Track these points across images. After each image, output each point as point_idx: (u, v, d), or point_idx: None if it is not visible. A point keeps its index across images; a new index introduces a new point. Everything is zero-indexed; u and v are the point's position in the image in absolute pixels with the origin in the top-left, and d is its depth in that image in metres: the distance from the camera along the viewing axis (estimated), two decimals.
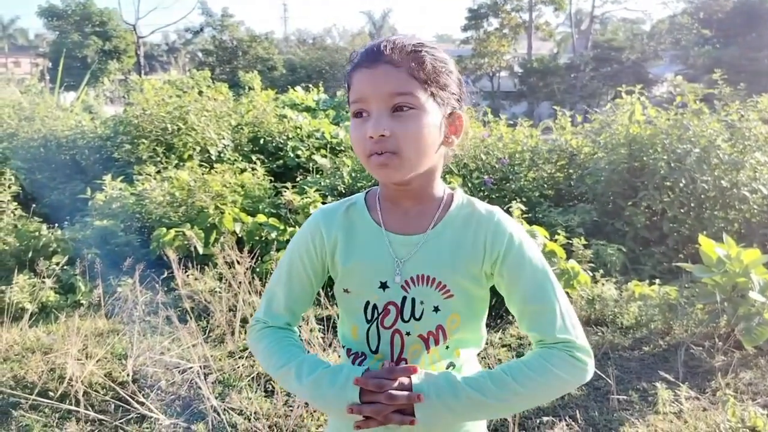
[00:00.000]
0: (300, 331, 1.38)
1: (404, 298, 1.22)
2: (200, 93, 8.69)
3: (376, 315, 1.24)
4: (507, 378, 1.14)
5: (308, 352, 1.29)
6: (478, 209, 1.25)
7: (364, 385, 1.12)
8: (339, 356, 1.36)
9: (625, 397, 3.25)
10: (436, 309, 1.22)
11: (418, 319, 1.22)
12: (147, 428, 3.03)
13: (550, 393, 1.19)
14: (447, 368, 1.25)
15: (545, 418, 3.07)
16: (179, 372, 3.44)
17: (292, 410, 3.08)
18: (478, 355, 1.35)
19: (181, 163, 7.10)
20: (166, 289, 4.70)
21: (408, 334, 1.23)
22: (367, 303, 1.24)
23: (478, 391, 1.12)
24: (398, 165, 1.13)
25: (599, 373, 3.41)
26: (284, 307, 1.31)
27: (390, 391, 1.10)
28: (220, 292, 4.50)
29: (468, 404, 1.12)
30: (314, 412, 3.06)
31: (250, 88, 10.71)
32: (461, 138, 1.23)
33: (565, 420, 3.01)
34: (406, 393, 1.11)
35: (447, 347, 1.25)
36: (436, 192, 1.26)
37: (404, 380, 1.12)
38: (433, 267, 1.21)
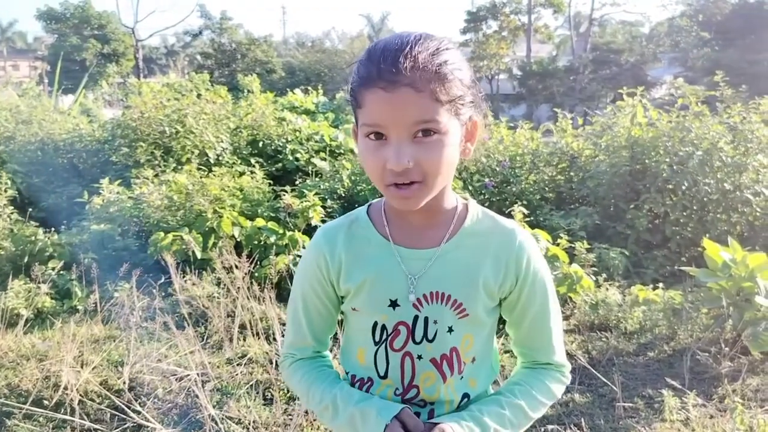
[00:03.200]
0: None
1: (416, 318, 1.15)
2: (199, 96, 8.64)
3: (384, 336, 1.17)
4: (522, 404, 1.17)
5: (341, 378, 1.25)
6: (499, 225, 1.19)
7: None
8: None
9: (630, 405, 3.19)
10: (450, 329, 1.15)
11: (431, 341, 1.15)
12: None
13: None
14: (462, 401, 1.19)
15: (550, 427, 3.01)
16: (176, 380, 3.38)
17: (291, 419, 3.02)
18: (495, 383, 1.31)
19: (180, 167, 7.05)
20: (163, 294, 4.65)
21: (420, 357, 1.16)
22: (375, 323, 1.17)
23: (501, 425, 1.14)
24: (422, 195, 1.05)
25: (604, 380, 3.36)
26: (309, 336, 1.25)
27: None
28: (218, 298, 4.44)
29: None
30: (314, 420, 3.00)
31: (249, 91, 10.67)
32: (477, 139, 1.15)
33: (570, 428, 2.96)
34: None
35: (461, 377, 1.19)
36: (448, 204, 1.17)
37: None
38: (448, 284, 1.14)
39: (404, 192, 1.03)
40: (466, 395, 1.19)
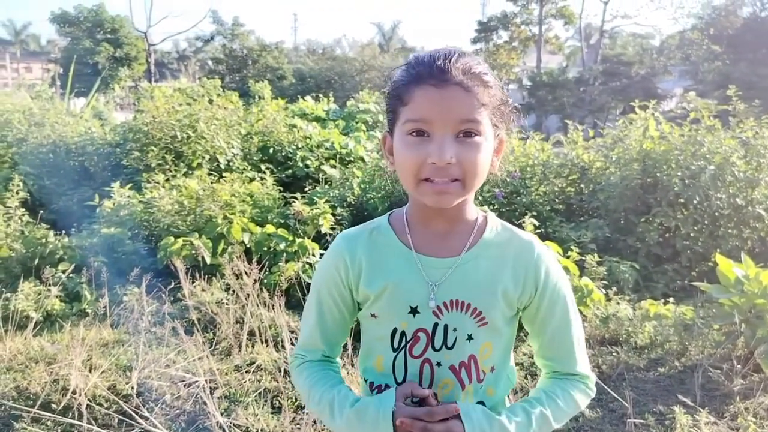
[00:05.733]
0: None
1: (435, 325, 1.16)
2: (210, 101, 8.67)
3: (404, 343, 1.18)
4: (547, 414, 1.15)
5: (343, 382, 1.24)
6: (517, 237, 1.21)
7: (409, 427, 1.05)
8: (359, 384, 1.30)
9: (641, 421, 3.16)
10: (470, 337, 1.16)
11: (450, 348, 1.16)
12: None
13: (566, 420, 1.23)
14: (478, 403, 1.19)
15: None
16: (185, 386, 3.38)
17: (299, 428, 3.00)
18: (513, 393, 1.31)
19: (190, 172, 7.07)
20: (172, 299, 4.65)
21: (438, 364, 1.17)
22: (395, 330, 1.18)
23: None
24: (458, 193, 1.09)
25: (614, 395, 3.33)
26: (320, 340, 1.27)
27: None
28: (227, 304, 4.43)
29: None
30: (323, 430, 2.98)
31: (260, 97, 10.69)
32: (500, 159, 1.21)
33: None
34: None
35: (481, 386, 1.19)
36: (469, 214, 1.21)
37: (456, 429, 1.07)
38: (468, 292, 1.16)
39: (441, 187, 1.06)
40: (482, 404, 1.18)
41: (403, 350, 1.18)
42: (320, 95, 13.39)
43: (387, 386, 1.19)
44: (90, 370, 3.54)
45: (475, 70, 1.07)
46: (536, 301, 1.18)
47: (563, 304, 1.19)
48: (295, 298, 4.76)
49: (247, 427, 3.03)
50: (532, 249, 1.19)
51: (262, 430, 3.00)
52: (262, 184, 6.70)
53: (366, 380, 1.25)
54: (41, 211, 6.21)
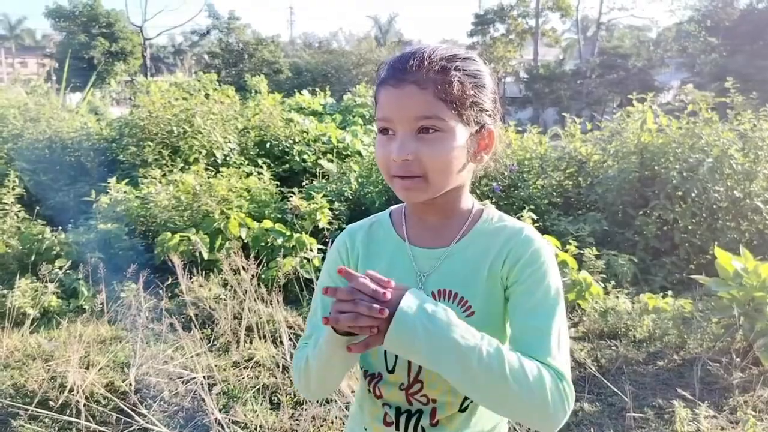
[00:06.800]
0: None
1: None
2: (207, 96, 8.64)
3: None
4: (502, 353, 0.99)
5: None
6: (508, 224, 1.19)
7: (333, 294, 0.98)
8: (357, 378, 1.29)
9: (641, 415, 3.16)
10: None
11: None
12: None
13: (523, 405, 0.99)
14: (464, 399, 1.16)
15: None
16: (182, 382, 3.36)
17: (299, 424, 2.99)
18: None
19: (187, 167, 7.05)
20: (170, 295, 4.64)
21: None
22: None
23: (465, 343, 0.97)
24: (423, 188, 1.11)
25: (614, 389, 3.33)
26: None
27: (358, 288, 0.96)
28: (225, 300, 4.42)
29: (441, 336, 0.97)
30: (321, 426, 2.98)
31: (256, 92, 10.65)
32: (494, 151, 1.19)
33: None
34: (372, 285, 0.96)
35: None
36: (464, 206, 1.21)
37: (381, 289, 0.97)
38: (455, 282, 1.16)
39: (405, 182, 1.10)
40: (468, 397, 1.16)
41: None
42: (317, 89, 13.36)
43: (380, 374, 1.20)
44: (87, 367, 3.53)
45: (433, 65, 1.07)
46: (518, 274, 1.11)
47: (547, 288, 1.10)
48: (293, 293, 4.75)
49: (246, 424, 3.02)
50: (522, 230, 1.16)
51: (260, 426, 3.00)
52: (259, 179, 6.68)
53: (362, 368, 1.25)
54: (37, 207, 6.19)
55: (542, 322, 1.08)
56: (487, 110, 1.14)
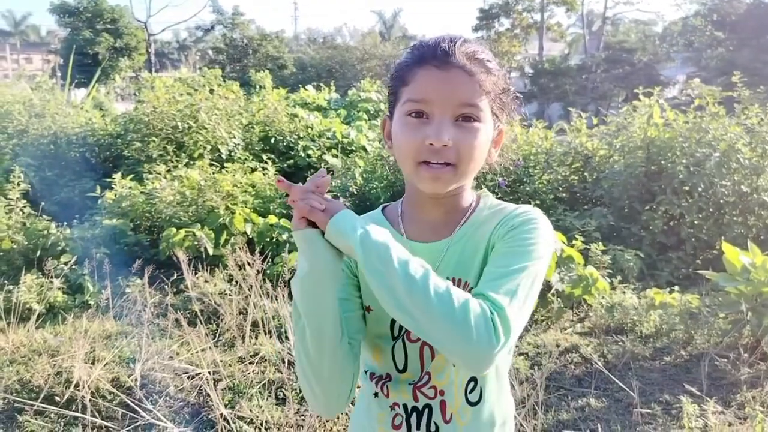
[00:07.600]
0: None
1: None
2: (211, 91, 8.63)
3: (403, 330, 1.16)
4: (430, 272, 0.98)
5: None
6: (506, 206, 1.18)
7: (287, 188, 1.08)
8: (359, 386, 1.25)
9: (648, 411, 3.14)
10: None
11: None
12: None
13: (443, 327, 0.94)
14: (468, 383, 1.16)
15: (565, 431, 2.97)
16: (188, 378, 3.36)
17: (304, 419, 2.99)
18: (519, 384, 1.25)
19: (192, 162, 7.05)
20: (175, 290, 4.64)
21: None
22: (393, 321, 1.16)
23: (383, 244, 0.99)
24: (451, 178, 1.08)
25: (621, 384, 3.31)
26: None
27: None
28: (230, 295, 4.41)
29: (377, 233, 1.00)
30: (327, 421, 2.97)
31: (261, 87, 10.64)
32: (501, 147, 1.20)
33: None
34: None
35: None
36: (465, 201, 1.20)
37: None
38: (461, 269, 1.14)
39: (436, 171, 1.05)
40: (473, 378, 1.16)
41: (401, 337, 1.17)
42: (321, 84, 13.33)
43: (388, 375, 1.19)
44: (93, 363, 3.53)
45: (479, 56, 1.08)
46: (503, 235, 1.08)
47: (526, 247, 1.05)
48: None
49: (251, 419, 3.01)
50: (519, 207, 1.15)
51: (266, 421, 2.99)
52: (263, 174, 6.67)
53: (366, 372, 1.23)
54: (42, 203, 6.19)
55: (505, 267, 1.03)
56: (505, 110, 1.15)
